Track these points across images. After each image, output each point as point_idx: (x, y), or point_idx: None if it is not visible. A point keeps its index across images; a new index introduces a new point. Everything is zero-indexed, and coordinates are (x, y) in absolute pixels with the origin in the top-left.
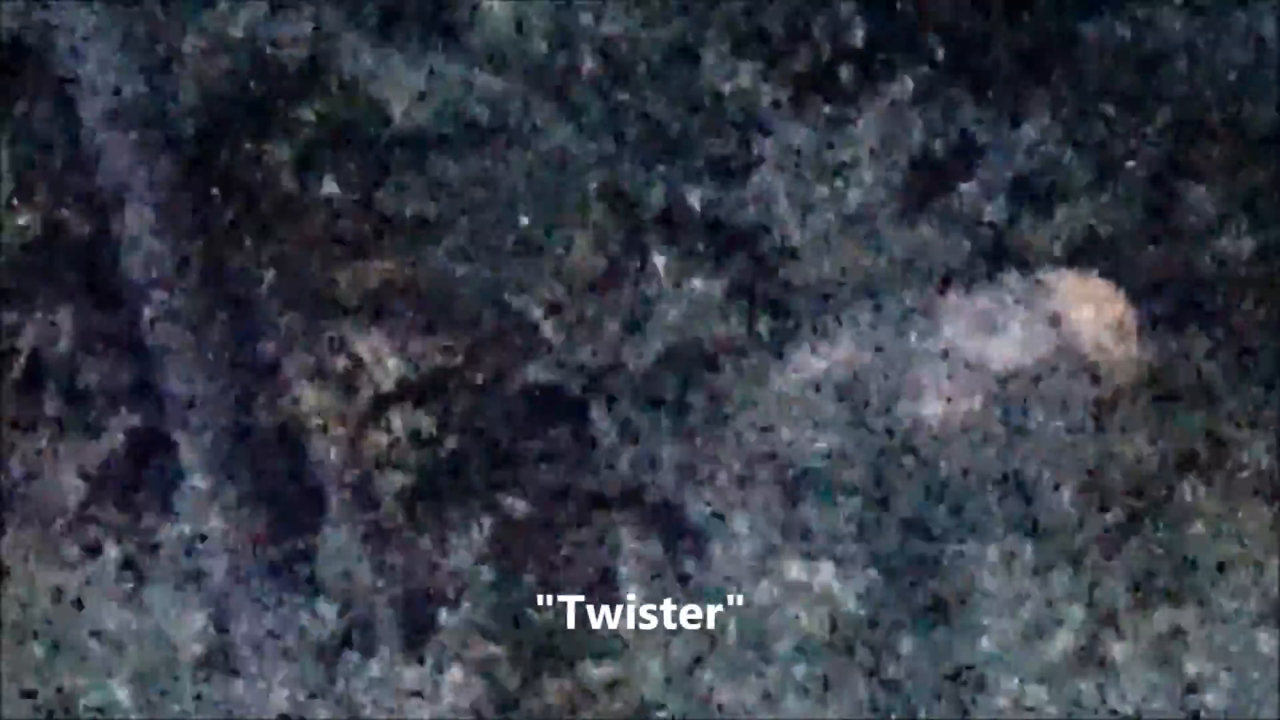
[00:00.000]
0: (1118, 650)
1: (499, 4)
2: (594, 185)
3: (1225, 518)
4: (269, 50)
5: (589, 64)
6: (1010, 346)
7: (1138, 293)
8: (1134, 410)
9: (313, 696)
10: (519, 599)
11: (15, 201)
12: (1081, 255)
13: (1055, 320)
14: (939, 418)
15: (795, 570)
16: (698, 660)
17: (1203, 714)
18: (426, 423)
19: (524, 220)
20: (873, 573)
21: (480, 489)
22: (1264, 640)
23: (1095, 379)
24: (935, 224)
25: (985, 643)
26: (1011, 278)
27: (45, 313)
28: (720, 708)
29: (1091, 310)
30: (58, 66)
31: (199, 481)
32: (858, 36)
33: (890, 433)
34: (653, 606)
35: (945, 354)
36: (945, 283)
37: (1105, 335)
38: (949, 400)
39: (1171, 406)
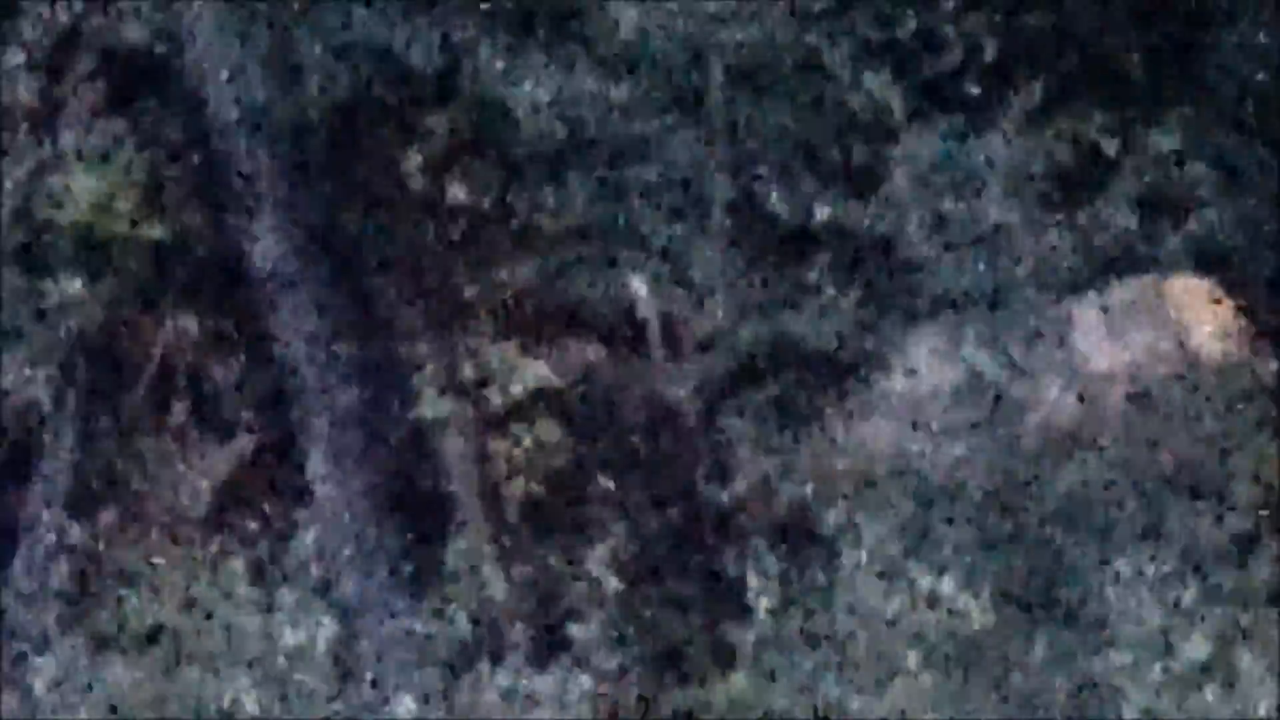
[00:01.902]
0: (1245, 661)
1: (629, 16)
2: (722, 195)
3: None
4: (399, 58)
5: (717, 75)
6: (1131, 354)
7: (1261, 300)
8: (1254, 416)
9: (436, 703)
10: (648, 609)
11: (145, 210)
12: (1208, 264)
13: (1168, 327)
14: (1065, 427)
15: (923, 581)
16: (824, 670)
17: None
18: (555, 432)
19: (652, 230)
20: (999, 584)
21: (609, 499)
22: None
23: (1207, 384)
24: (1064, 234)
25: (1113, 655)
26: (1132, 286)
27: (174, 320)
28: (847, 716)
29: (1202, 315)
30: (187, 75)
31: (328, 489)
32: (987, 47)
33: (1017, 442)
34: (781, 617)
35: (1072, 364)
36: (1073, 293)
37: (1214, 341)
38: (1075, 410)
39: None
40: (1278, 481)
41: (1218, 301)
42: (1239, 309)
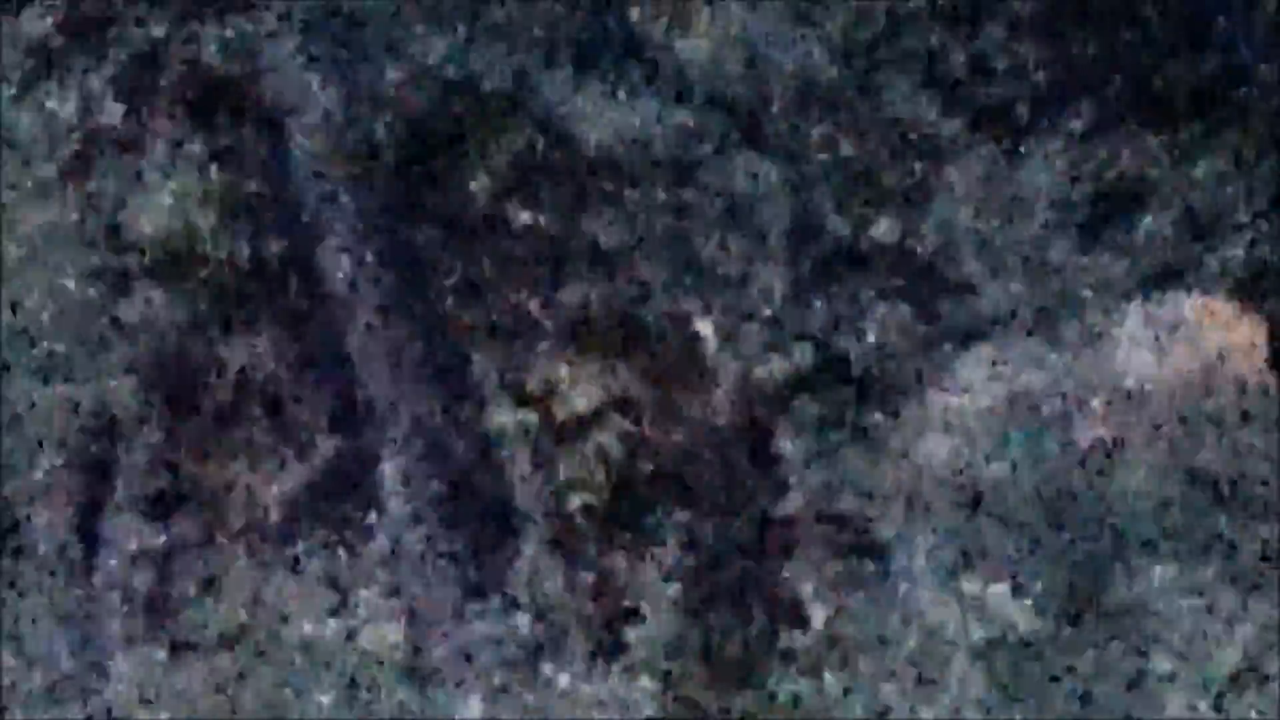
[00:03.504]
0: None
1: (691, 41)
2: (781, 215)
3: None
4: (469, 84)
5: (777, 99)
6: (1168, 371)
7: None
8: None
9: (503, 702)
10: (706, 615)
11: (223, 229)
12: (1248, 285)
13: (1198, 345)
14: (1108, 440)
15: (973, 587)
16: (877, 674)
17: None
18: (617, 445)
19: (714, 249)
20: (1045, 591)
21: (669, 509)
22: None
23: (1235, 400)
24: (1108, 254)
25: (1154, 660)
26: (1167, 306)
27: (251, 337)
28: (900, 719)
29: (1229, 335)
30: (265, 100)
31: (399, 499)
32: (1036, 73)
33: (1064, 454)
34: (835, 624)
35: (1113, 379)
36: (1114, 312)
37: (1239, 358)
38: (1116, 424)
39: None
40: None
41: (1244, 321)
42: (1250, 323)
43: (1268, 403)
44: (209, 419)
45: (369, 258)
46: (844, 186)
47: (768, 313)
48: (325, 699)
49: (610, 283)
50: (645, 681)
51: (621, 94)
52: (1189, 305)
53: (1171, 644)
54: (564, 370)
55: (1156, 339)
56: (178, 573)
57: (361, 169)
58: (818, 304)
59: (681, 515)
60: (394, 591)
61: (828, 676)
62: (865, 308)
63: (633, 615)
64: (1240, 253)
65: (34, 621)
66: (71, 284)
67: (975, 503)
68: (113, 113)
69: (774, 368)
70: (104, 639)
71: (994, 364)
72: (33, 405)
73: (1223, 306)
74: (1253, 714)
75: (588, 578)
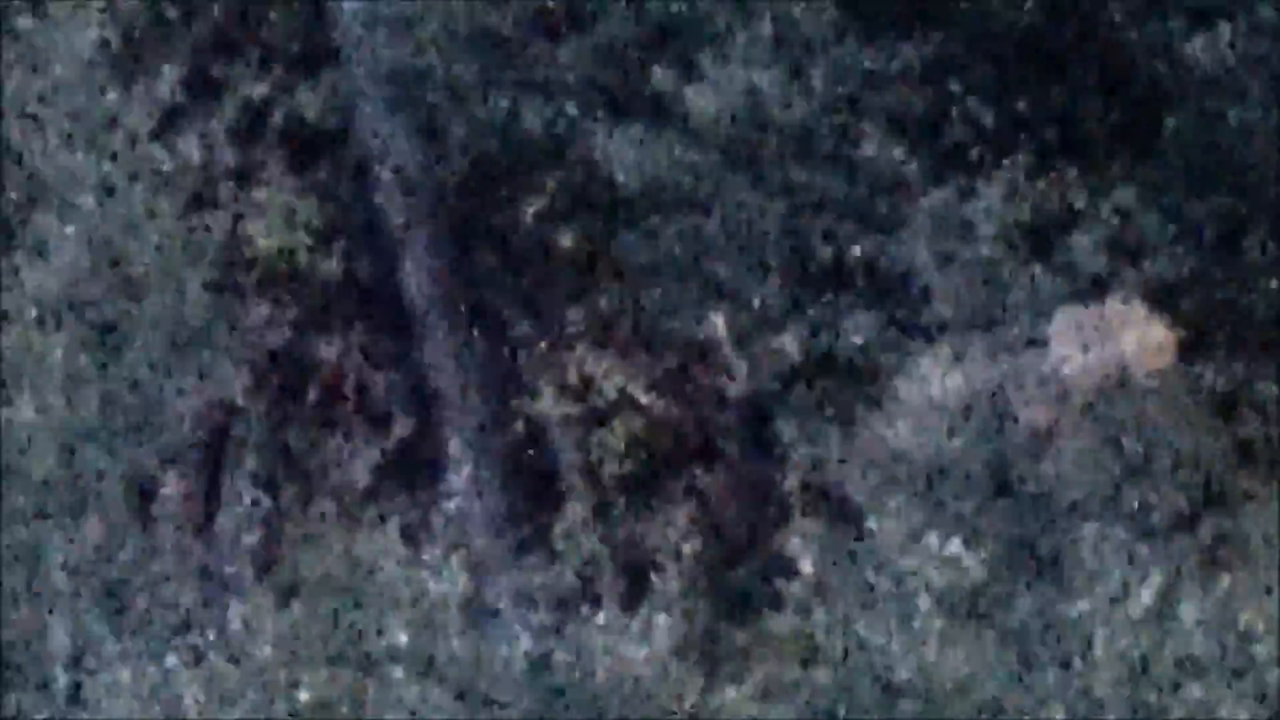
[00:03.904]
0: (1186, 609)
1: (702, 96)
2: (775, 240)
3: (1274, 503)
4: (520, 128)
5: (773, 144)
6: (1091, 365)
7: (1205, 324)
8: (1193, 417)
9: (549, 638)
10: (716, 565)
11: (320, 249)
12: (1160, 294)
13: (1115, 343)
14: (1044, 423)
15: (934, 543)
16: (855, 613)
17: (1255, 661)
18: (641, 426)
19: (720, 267)
20: (994, 546)
21: (686, 479)
22: None
23: (1144, 391)
24: (1043, 270)
25: (1083, 602)
26: (1092, 311)
27: (342, 337)
28: (873, 651)
29: (1138, 333)
30: (354, 144)
31: (463, 470)
32: (985, 123)
33: (1007, 437)
34: (821, 572)
35: (1048, 373)
36: (1049, 317)
37: (1149, 354)
38: (1052, 409)
39: (1232, 414)
40: (1215, 469)
41: (1140, 318)
42: (1157, 324)
43: (1175, 391)
44: (308, 405)
45: (438, 274)
46: (828, 216)
47: (767, 318)
48: (401, 635)
49: (636, 294)
50: (665, 620)
51: (647, 138)
52: (1108, 310)
53: (1095, 589)
54: (598, 366)
55: (1082, 340)
56: (283, 531)
57: (432, 201)
58: (808, 312)
59: (696, 484)
60: (458, 546)
61: (814, 615)
62: (846, 314)
63: (655, 566)
64: (1155, 267)
65: (164, 572)
66: (196, 294)
67: (935, 475)
68: (228, 155)
69: (772, 362)
70: (223, 584)
71: (950, 361)
72: (162, 393)
73: (1136, 310)
74: (1162, 648)
75: (618, 535)
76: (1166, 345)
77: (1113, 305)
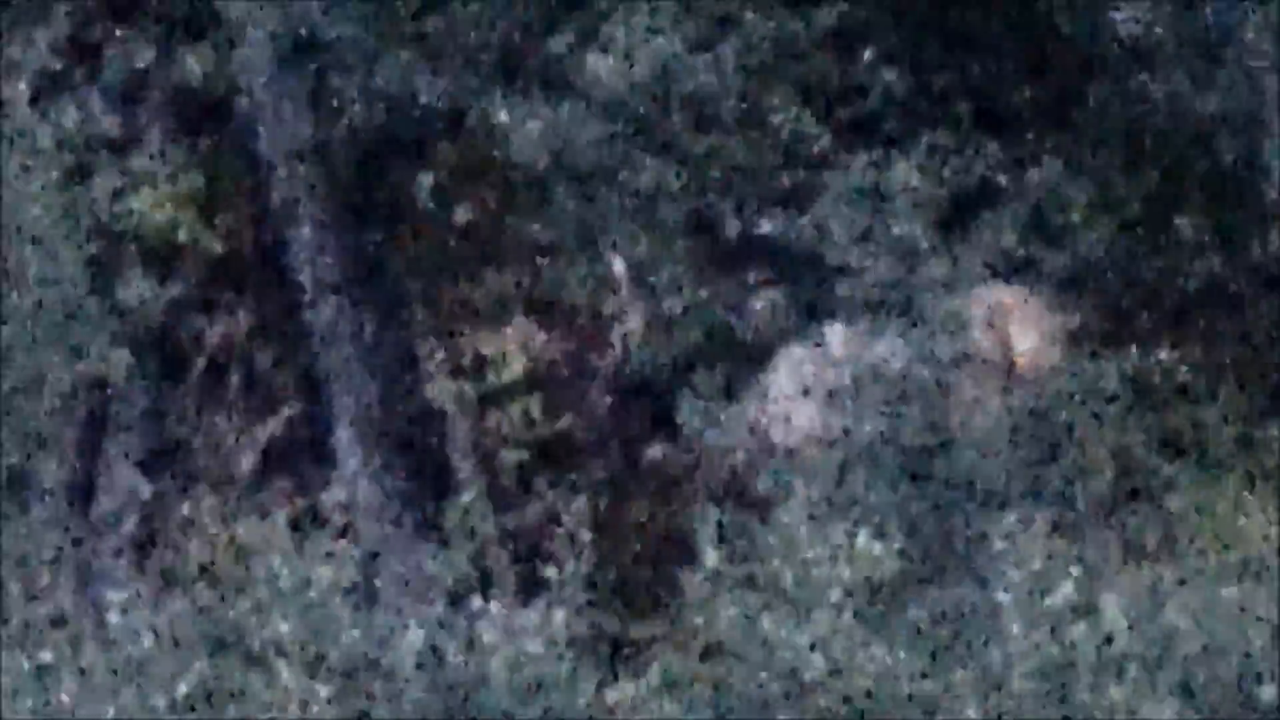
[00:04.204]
0: (1107, 602)
1: (605, 64)
2: (680, 214)
3: (1199, 492)
4: (415, 99)
5: (676, 114)
6: (998, 351)
7: (1129, 305)
8: (1119, 404)
9: (444, 630)
10: (614, 555)
11: (204, 223)
12: (1086, 276)
13: (1017, 330)
14: (961, 408)
15: (841, 534)
16: (760, 606)
17: (1179, 656)
18: (539, 409)
19: (622, 244)
20: (906, 536)
21: (583, 464)
22: (1229, 594)
23: (1017, 380)
24: (960, 247)
25: (998, 595)
26: (995, 294)
27: (228, 314)
28: (781, 646)
29: (1020, 324)
30: (240, 111)
31: (352, 455)
32: (900, 94)
33: (921, 422)
34: (725, 562)
35: (964, 356)
36: (967, 296)
37: (1030, 345)
38: (969, 393)
39: (1155, 401)
40: (1138, 456)
41: (1022, 307)
42: (1041, 314)
43: (1072, 385)
44: (190, 386)
45: (329, 250)
46: (735, 188)
47: (669, 294)
48: (287, 627)
49: (534, 271)
50: (561, 611)
51: (545, 109)
52: (1005, 297)
53: (1013, 582)
54: (494, 346)
55: (990, 323)
56: (164, 518)
57: (323, 174)
58: (714, 288)
59: (594, 469)
60: (346, 534)
61: (717, 608)
62: (753, 292)
63: (551, 556)
64: (1078, 246)
65: (38, 558)
66: (72, 269)
67: (845, 460)
68: (107, 123)
69: (675, 341)
70: (101, 572)
71: (863, 338)
72: (38, 373)
73: (1027, 302)
74: (1082, 643)
75: (513, 523)
76: (1058, 340)
77: (1006, 294)
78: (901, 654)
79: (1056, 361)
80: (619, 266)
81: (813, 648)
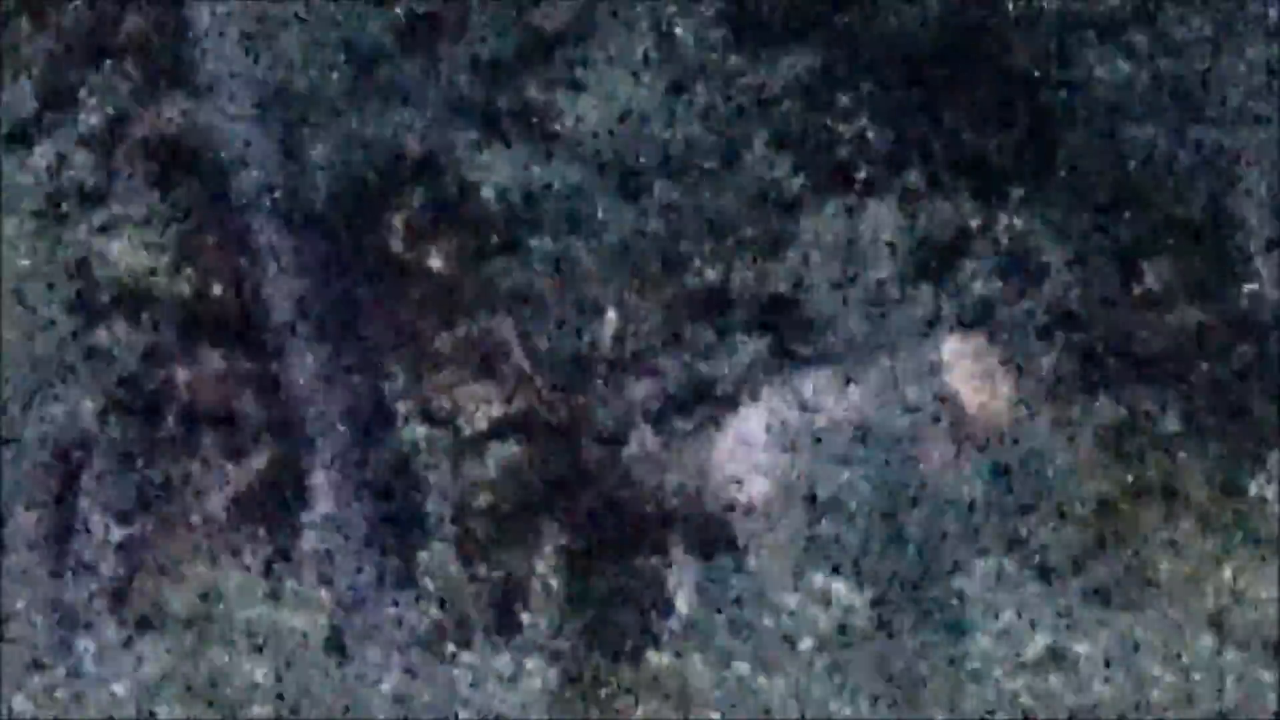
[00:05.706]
0: (1084, 649)
1: (579, 110)
2: (654, 262)
3: (1173, 541)
4: (387, 146)
5: (653, 162)
6: (972, 399)
7: (1102, 353)
8: (1093, 453)
9: (417, 678)
10: (589, 602)
11: (177, 268)
12: (1059, 323)
13: (966, 379)
14: (936, 457)
15: (817, 581)
16: (735, 653)
17: (1154, 705)
18: (514, 456)
19: (595, 290)
20: (881, 583)
21: (558, 511)
22: (1204, 643)
23: (990, 428)
24: (936, 295)
25: (973, 644)
26: (966, 344)
27: (201, 360)
28: (754, 693)
29: (994, 372)
30: (213, 160)
31: (326, 501)
32: (875, 141)
33: (895, 469)
34: (699, 609)
35: (938, 403)
36: (940, 343)
37: (1004, 393)
38: (942, 440)
39: (1129, 449)
40: (1111, 505)
41: (975, 355)
42: (992, 363)
43: (1046, 434)
44: (165, 431)
45: (302, 295)
46: (711, 235)
47: (645, 343)
48: (260, 672)
49: (508, 318)
50: (536, 659)
51: (519, 157)
52: (979, 345)
53: (987, 630)
54: (468, 393)
55: (963, 371)
56: (138, 563)
57: (296, 220)
58: (689, 335)
59: (567, 516)
60: (321, 581)
61: (691, 655)
62: (729, 338)
63: (526, 604)
64: (1051, 292)
65: (14, 605)
66: (47, 315)
67: (821, 507)
68: (83, 169)
69: (650, 388)
70: (75, 617)
71: (836, 385)
72: (12, 419)
73: (1001, 350)
74: (1057, 690)
75: (488, 571)
76: (1001, 385)
77: (976, 342)
78: (875, 703)
79: (1030, 410)
80: (611, 314)
81: (786, 696)
